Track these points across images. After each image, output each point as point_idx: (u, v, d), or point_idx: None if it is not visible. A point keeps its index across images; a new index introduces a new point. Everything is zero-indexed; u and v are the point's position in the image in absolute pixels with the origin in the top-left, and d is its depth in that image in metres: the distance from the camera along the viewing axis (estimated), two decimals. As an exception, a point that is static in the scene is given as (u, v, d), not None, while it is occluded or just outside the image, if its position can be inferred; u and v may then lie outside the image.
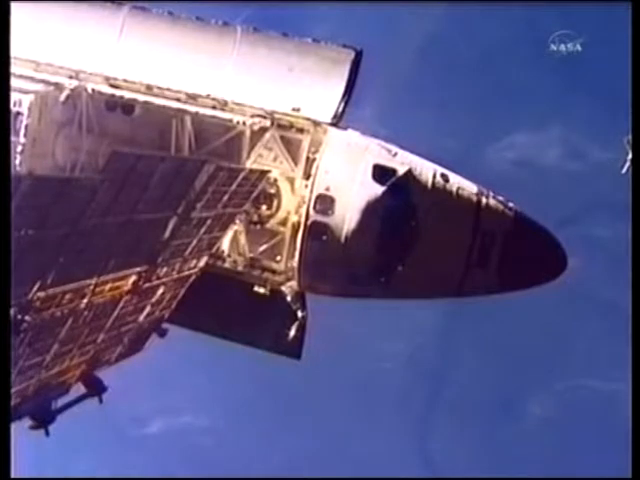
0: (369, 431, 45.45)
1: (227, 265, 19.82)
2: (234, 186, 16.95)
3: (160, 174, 14.40)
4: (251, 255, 19.84)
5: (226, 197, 16.95)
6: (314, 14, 39.13)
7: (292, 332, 19.98)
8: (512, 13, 41.31)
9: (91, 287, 14.52)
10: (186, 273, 18.22)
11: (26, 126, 18.24)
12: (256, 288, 19.89)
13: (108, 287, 15.13)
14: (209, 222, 17.10)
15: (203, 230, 17.15)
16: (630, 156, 21.00)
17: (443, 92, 42.54)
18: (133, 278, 15.88)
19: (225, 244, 19.59)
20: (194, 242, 17.25)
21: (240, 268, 19.88)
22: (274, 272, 19.87)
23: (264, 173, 18.81)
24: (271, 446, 45.64)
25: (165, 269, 16.96)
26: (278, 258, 19.79)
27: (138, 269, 15.88)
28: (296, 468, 44.71)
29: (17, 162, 18.14)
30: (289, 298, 19.84)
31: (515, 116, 44.62)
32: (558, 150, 45.86)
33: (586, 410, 44.66)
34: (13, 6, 14.33)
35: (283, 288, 19.87)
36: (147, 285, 16.57)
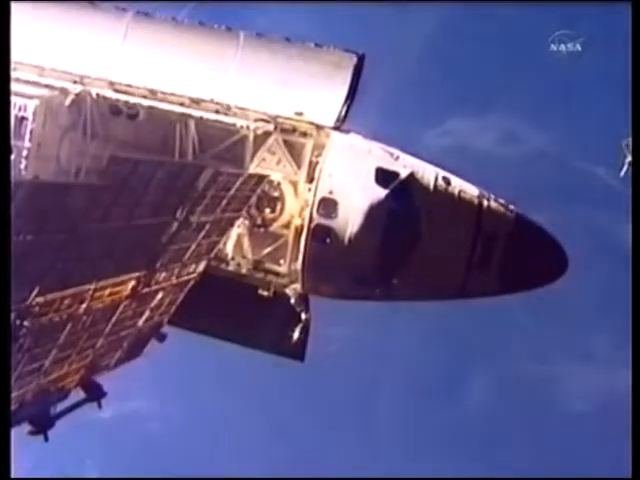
0: (315, 410, 46.57)
1: (231, 268, 19.94)
2: (233, 191, 17.07)
3: (159, 179, 14.50)
4: (255, 258, 19.94)
5: (225, 202, 17.07)
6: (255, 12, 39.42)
7: (295, 334, 20.06)
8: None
9: (90, 292, 14.63)
10: (185, 278, 18.32)
11: (31, 131, 18.35)
12: (260, 291, 19.99)
13: (107, 292, 15.25)
14: (208, 227, 17.19)
15: (202, 235, 17.26)
16: (629, 159, 20.89)
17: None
18: (132, 283, 15.97)
19: (229, 247, 19.69)
20: (193, 247, 17.35)
21: (244, 271, 19.98)
22: (278, 275, 19.96)
23: (262, 178, 18.89)
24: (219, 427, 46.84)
25: (164, 274, 17.05)
26: (282, 261, 19.87)
27: (137, 274, 15.99)
28: (243, 447, 46.12)
29: (22, 166, 18.27)
30: (292, 300, 19.92)
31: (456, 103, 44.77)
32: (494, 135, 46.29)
33: (525, 392, 45.41)
34: (17, 11, 14.46)
35: (287, 290, 19.94)
36: (146, 290, 16.67)
